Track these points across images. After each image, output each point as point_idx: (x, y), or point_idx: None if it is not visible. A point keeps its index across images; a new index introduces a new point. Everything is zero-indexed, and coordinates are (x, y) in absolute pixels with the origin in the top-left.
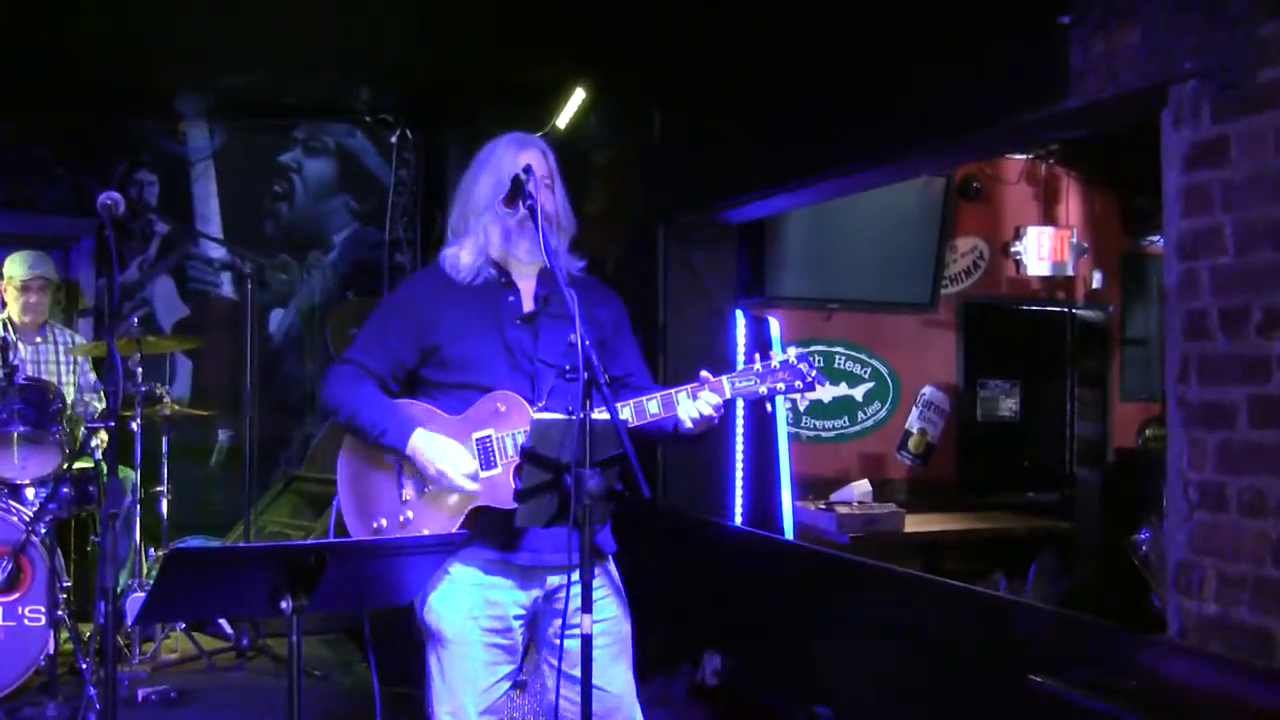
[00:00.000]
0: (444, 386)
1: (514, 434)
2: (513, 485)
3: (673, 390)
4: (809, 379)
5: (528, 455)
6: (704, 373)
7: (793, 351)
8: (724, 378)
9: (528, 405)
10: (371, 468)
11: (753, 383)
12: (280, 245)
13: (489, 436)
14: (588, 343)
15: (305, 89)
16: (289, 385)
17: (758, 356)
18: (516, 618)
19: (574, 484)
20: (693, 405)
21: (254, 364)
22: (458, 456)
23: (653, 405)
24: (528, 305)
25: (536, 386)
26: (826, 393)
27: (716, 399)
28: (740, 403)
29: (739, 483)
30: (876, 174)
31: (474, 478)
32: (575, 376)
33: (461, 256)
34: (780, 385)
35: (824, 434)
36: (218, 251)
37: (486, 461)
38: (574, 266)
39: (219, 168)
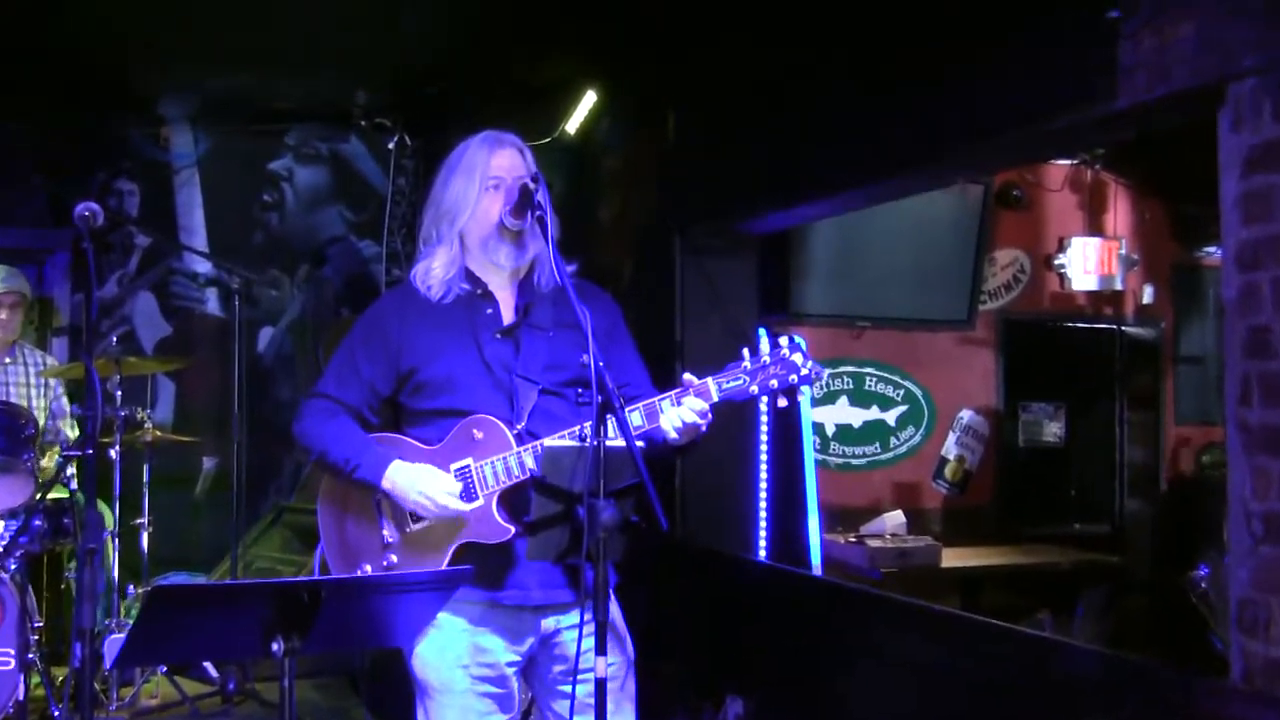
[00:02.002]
0: (424, 415)
1: (493, 462)
2: (498, 518)
3: (655, 399)
4: (805, 372)
5: (538, 486)
6: (686, 375)
7: (784, 341)
8: (709, 379)
9: (507, 429)
10: (350, 509)
11: (742, 382)
12: (270, 259)
13: (467, 467)
14: (601, 363)
15: (297, 91)
16: (279, 409)
17: (746, 353)
18: (510, 664)
19: (587, 514)
20: (676, 413)
21: (242, 386)
22: (437, 479)
23: (635, 417)
24: (507, 316)
25: (515, 404)
26: (857, 417)
27: (702, 404)
28: (764, 427)
29: (763, 513)
30: (909, 181)
31: (459, 499)
32: (558, 392)
33: (434, 269)
34: (773, 382)
35: (854, 461)
36: (203, 265)
37: (467, 493)
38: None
39: (204, 176)
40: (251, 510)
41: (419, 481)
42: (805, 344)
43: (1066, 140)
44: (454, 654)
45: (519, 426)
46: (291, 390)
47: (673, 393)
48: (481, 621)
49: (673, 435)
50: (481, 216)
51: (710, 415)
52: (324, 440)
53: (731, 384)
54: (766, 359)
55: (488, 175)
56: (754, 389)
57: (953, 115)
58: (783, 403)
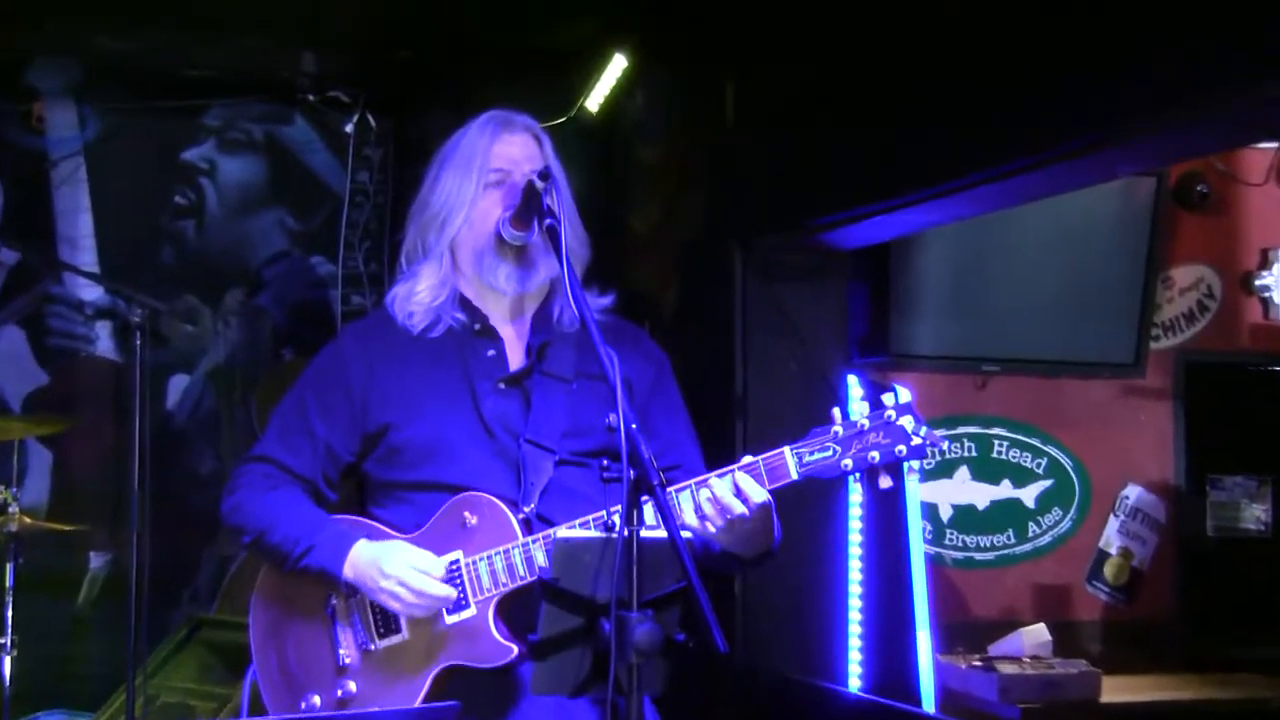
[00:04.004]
0: (399, 489)
1: (491, 557)
2: (495, 634)
3: (693, 481)
4: (917, 443)
5: (549, 592)
6: (748, 459)
7: (889, 398)
8: (786, 449)
9: (510, 513)
10: (295, 619)
11: (831, 454)
12: (184, 282)
13: (456, 563)
14: (634, 425)
15: (220, 55)
16: (195, 486)
17: (837, 414)
18: None
19: (614, 632)
20: (721, 496)
21: (144, 456)
22: (415, 556)
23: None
24: (515, 360)
25: (523, 480)
26: (981, 496)
27: (753, 487)
28: (857, 510)
29: (854, 628)
30: (1054, 174)
31: (436, 620)
32: (581, 463)
33: (417, 293)
34: (873, 454)
35: (979, 555)
36: (91, 291)
37: (454, 601)
38: (596, 303)
39: (93, 169)
40: (157, 625)
41: (386, 558)
42: (913, 399)
43: (1272, 115)
44: None
45: (527, 509)
46: (214, 460)
47: (734, 469)
48: None
49: (710, 529)
50: (478, 222)
51: (763, 507)
52: (263, 515)
53: (816, 457)
54: (864, 422)
55: (488, 167)
56: (847, 463)
57: (1116, 83)
58: (886, 483)
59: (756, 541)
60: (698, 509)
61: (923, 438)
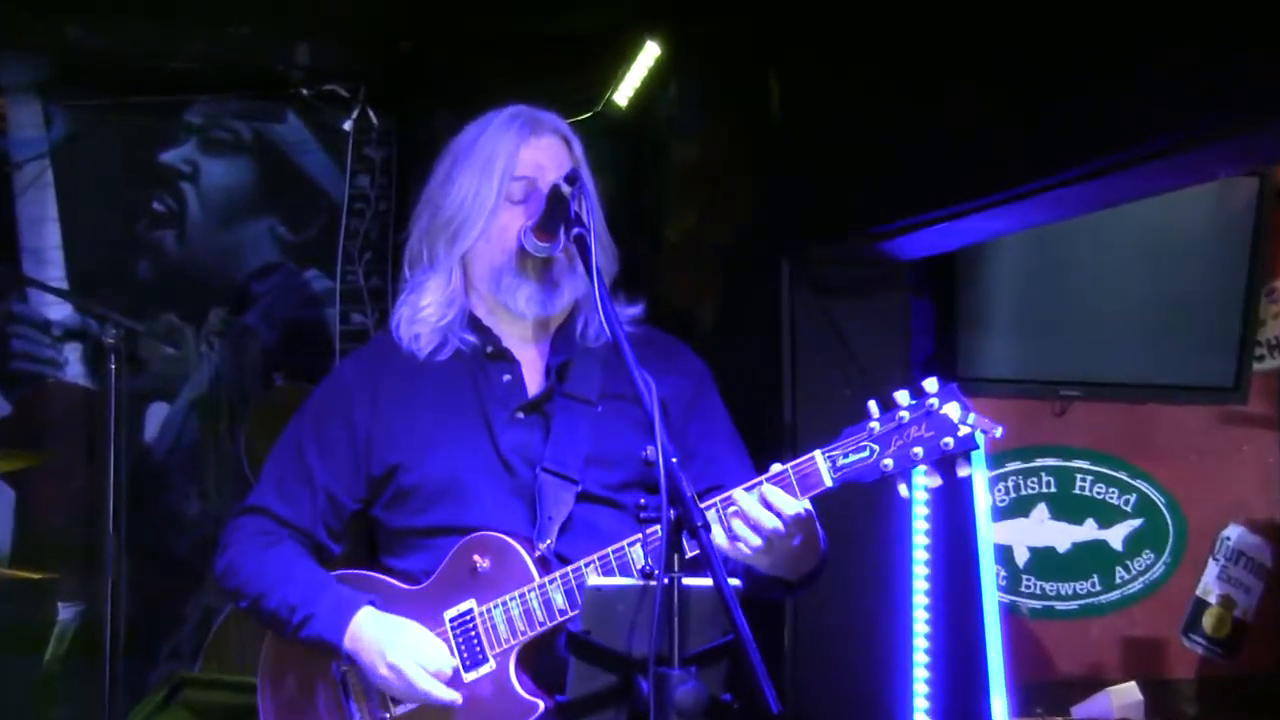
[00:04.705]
0: (410, 536)
1: (506, 603)
2: (518, 689)
3: (719, 498)
4: (965, 432)
5: (578, 647)
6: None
7: (931, 383)
8: (817, 452)
9: (523, 550)
10: (304, 683)
11: (868, 454)
12: (164, 300)
13: (469, 614)
14: (674, 459)
15: (203, 45)
16: (176, 529)
17: (873, 406)
18: None
19: (653, 691)
20: (735, 509)
21: (120, 495)
22: (420, 645)
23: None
24: (533, 384)
25: (539, 515)
26: (1062, 537)
27: (785, 499)
28: (922, 554)
29: (921, 686)
30: (1143, 174)
31: (453, 682)
32: (609, 499)
33: (423, 310)
34: (916, 449)
35: (1059, 604)
36: (59, 310)
37: (471, 656)
38: (624, 313)
39: (61, 173)
40: (133, 684)
41: (391, 645)
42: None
43: None
44: None
45: (543, 546)
46: (197, 499)
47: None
48: None
49: (744, 550)
50: (497, 237)
51: (799, 521)
52: (258, 578)
53: (852, 459)
54: (904, 414)
55: (512, 172)
56: (887, 463)
57: (1224, 65)
58: (934, 482)
59: (800, 560)
60: (728, 530)
61: (971, 425)
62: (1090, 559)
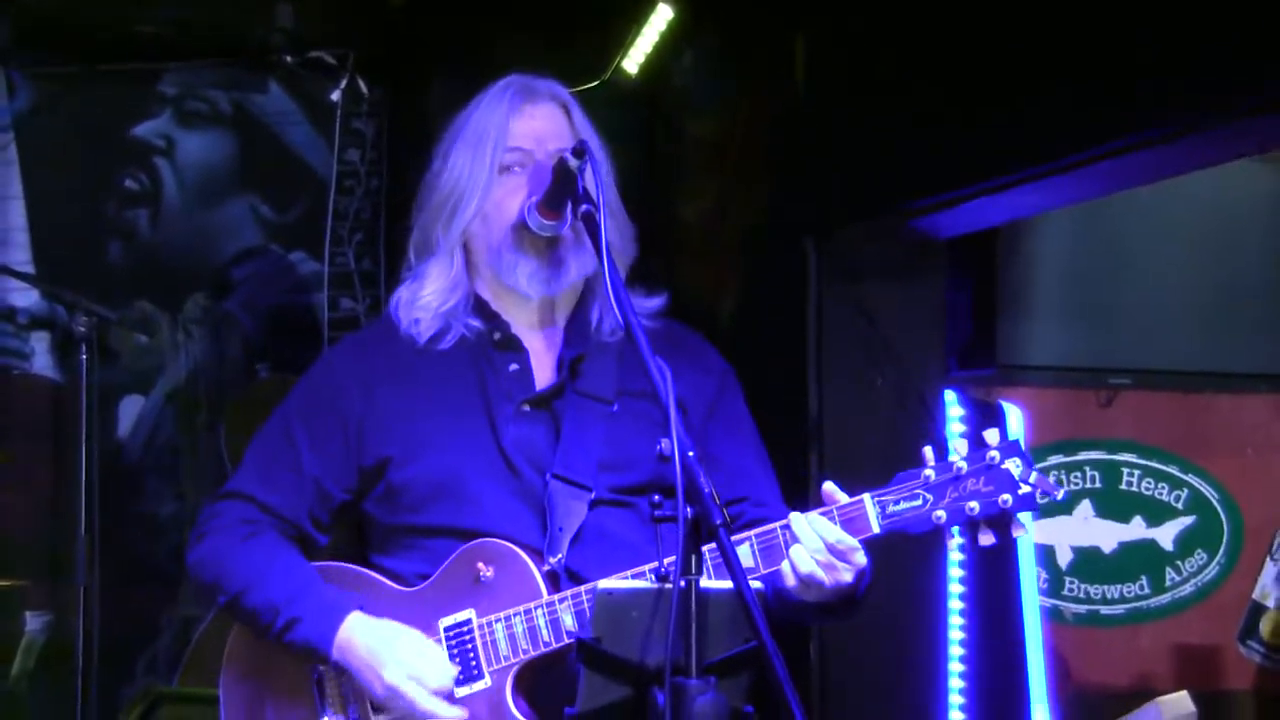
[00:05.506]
0: (403, 534)
1: (509, 619)
2: (512, 708)
3: (779, 524)
4: (1026, 491)
5: (589, 655)
6: (827, 486)
7: (993, 435)
8: (866, 496)
9: (533, 565)
10: (274, 692)
11: (921, 504)
12: (137, 285)
13: (467, 624)
14: (691, 453)
15: (177, 7)
16: (152, 532)
17: (929, 453)
18: None
19: (669, 704)
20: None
21: (91, 495)
22: (420, 659)
23: (744, 552)
24: (542, 376)
25: (550, 524)
26: (1108, 536)
27: (845, 539)
28: (957, 555)
29: (956, 698)
30: (1197, 145)
31: (451, 697)
32: (623, 502)
33: (424, 295)
34: (972, 505)
35: (1105, 610)
36: (25, 297)
37: (465, 670)
38: (642, 306)
39: (25, 147)
40: (107, 700)
41: (388, 662)
42: (1024, 422)
43: None
44: None
45: (554, 560)
46: (174, 500)
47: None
48: None
49: (790, 581)
50: (493, 212)
51: (864, 561)
52: (239, 572)
53: (903, 507)
54: (962, 465)
55: (505, 145)
56: (940, 515)
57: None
58: (988, 539)
59: (842, 589)
60: (795, 569)
61: (1033, 485)
62: (1138, 560)
